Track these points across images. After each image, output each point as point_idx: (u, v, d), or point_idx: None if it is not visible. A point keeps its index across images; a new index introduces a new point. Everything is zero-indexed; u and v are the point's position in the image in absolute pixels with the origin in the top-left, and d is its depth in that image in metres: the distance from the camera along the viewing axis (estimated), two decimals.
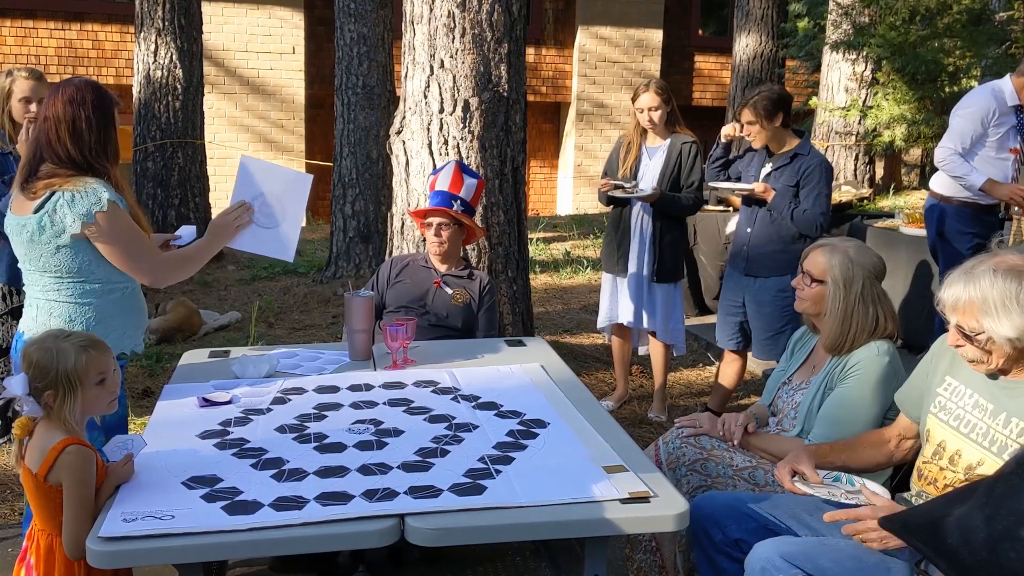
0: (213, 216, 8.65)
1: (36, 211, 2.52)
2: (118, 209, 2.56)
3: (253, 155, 12.32)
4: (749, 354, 4.50)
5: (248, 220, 2.86)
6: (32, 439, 2.13)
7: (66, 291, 2.58)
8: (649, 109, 4.36)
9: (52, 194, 2.52)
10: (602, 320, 4.73)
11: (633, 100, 4.44)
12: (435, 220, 3.66)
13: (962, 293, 2.00)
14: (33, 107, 3.61)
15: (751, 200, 4.22)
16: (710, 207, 6.34)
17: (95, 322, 2.60)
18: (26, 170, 2.59)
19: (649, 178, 4.41)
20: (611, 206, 4.59)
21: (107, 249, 2.57)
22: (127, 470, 2.14)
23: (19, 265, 2.68)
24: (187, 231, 3.01)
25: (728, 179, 4.39)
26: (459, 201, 3.66)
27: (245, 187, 2.89)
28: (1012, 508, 1.10)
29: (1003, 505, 1.12)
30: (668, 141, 4.42)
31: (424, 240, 3.85)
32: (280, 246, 2.92)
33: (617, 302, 4.61)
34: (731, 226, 5.93)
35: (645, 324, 4.54)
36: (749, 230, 4.21)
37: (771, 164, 4.18)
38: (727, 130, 4.36)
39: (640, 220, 4.47)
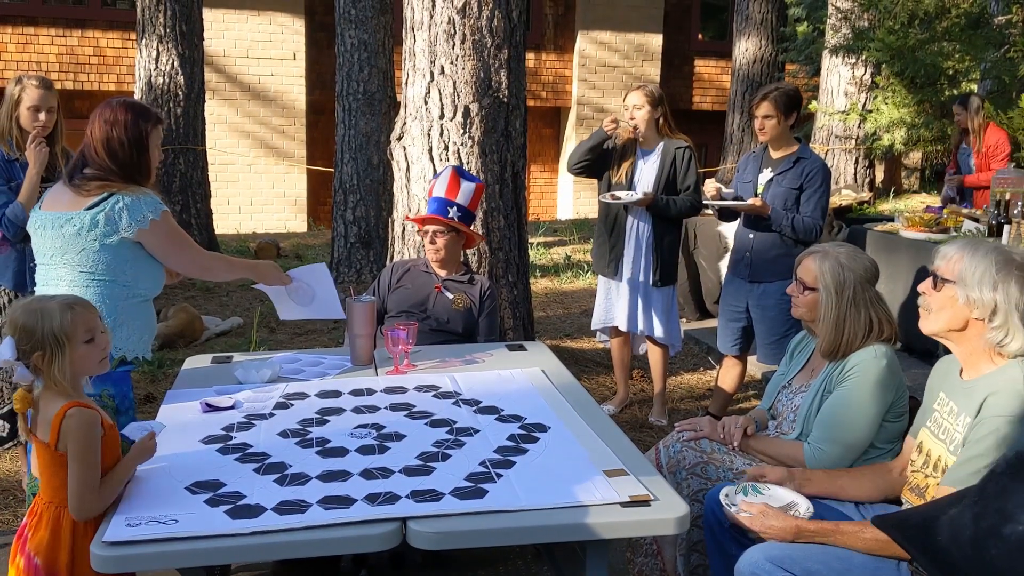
0: (214, 222, 8.70)
1: (90, 208, 2.62)
2: (169, 216, 2.72)
3: (254, 161, 12.27)
4: (749, 358, 4.51)
5: (288, 280, 3.13)
6: (39, 413, 2.13)
7: (94, 288, 2.65)
8: (633, 107, 4.39)
9: (110, 195, 2.63)
10: (596, 322, 4.74)
11: (624, 99, 4.49)
12: (430, 228, 3.67)
13: (957, 252, 2.18)
14: (42, 116, 3.54)
15: (750, 215, 4.21)
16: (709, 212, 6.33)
17: (116, 324, 2.65)
18: (71, 168, 2.72)
19: (644, 183, 4.43)
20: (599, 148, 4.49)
21: (161, 250, 2.72)
22: (152, 445, 2.19)
23: (42, 259, 2.73)
24: None
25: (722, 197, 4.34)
26: (456, 207, 3.66)
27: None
28: (999, 507, 1.12)
29: (991, 504, 1.14)
30: (661, 146, 4.44)
31: None
32: (325, 308, 3.22)
33: (613, 306, 4.62)
34: (728, 231, 5.93)
35: (641, 328, 4.55)
36: (751, 236, 4.20)
37: (771, 170, 4.18)
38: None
39: (636, 225, 4.49)
